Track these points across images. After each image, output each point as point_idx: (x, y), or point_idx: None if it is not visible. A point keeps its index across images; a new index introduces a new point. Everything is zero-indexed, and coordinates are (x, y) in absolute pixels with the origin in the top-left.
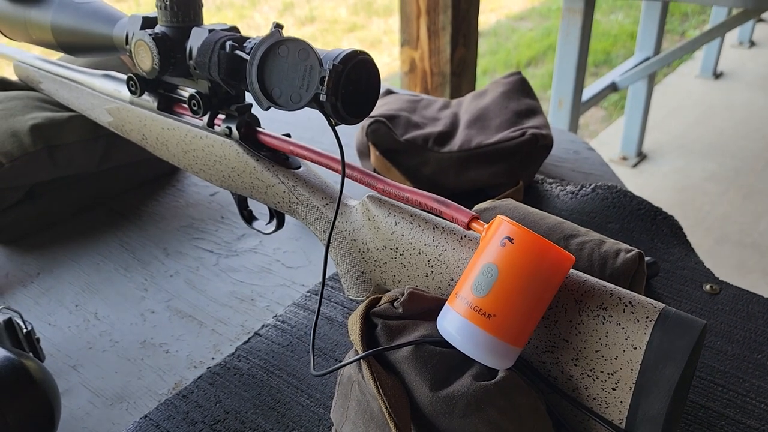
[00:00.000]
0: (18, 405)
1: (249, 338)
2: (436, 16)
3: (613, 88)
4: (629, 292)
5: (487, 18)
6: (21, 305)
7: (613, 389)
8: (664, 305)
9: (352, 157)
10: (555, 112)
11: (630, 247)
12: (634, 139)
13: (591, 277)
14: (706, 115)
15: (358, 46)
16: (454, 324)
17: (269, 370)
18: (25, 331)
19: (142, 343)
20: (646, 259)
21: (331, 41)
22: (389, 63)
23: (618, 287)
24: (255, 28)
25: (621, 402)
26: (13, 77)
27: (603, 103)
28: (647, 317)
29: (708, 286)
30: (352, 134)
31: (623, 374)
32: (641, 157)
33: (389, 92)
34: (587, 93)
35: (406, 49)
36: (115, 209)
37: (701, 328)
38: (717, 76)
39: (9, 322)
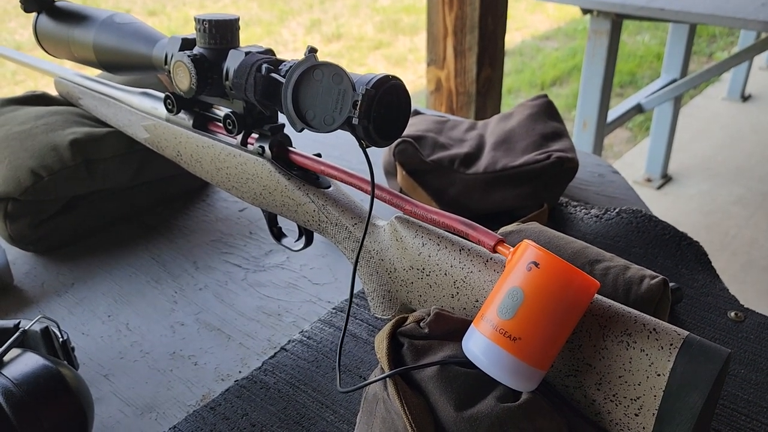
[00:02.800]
0: (54, 412)
1: (275, 353)
2: (463, 37)
3: (638, 109)
4: (653, 318)
5: (512, 37)
6: (55, 314)
7: (636, 415)
8: (688, 333)
9: (379, 176)
10: (579, 133)
11: (655, 274)
12: (660, 161)
13: (615, 303)
14: (733, 138)
15: (384, 64)
16: (479, 345)
17: (295, 384)
18: (61, 340)
19: (171, 355)
20: (671, 285)
21: (357, 58)
22: (414, 80)
23: (642, 313)
24: (282, 43)
25: (643, 428)
26: (54, 93)
27: (628, 124)
28: (671, 344)
29: (732, 314)
30: (378, 153)
31: (646, 400)
32: (666, 179)
33: (416, 113)
34: (612, 114)
35: (432, 69)
36: (146, 223)
37: (726, 357)
38: (745, 98)
39: (46, 331)
